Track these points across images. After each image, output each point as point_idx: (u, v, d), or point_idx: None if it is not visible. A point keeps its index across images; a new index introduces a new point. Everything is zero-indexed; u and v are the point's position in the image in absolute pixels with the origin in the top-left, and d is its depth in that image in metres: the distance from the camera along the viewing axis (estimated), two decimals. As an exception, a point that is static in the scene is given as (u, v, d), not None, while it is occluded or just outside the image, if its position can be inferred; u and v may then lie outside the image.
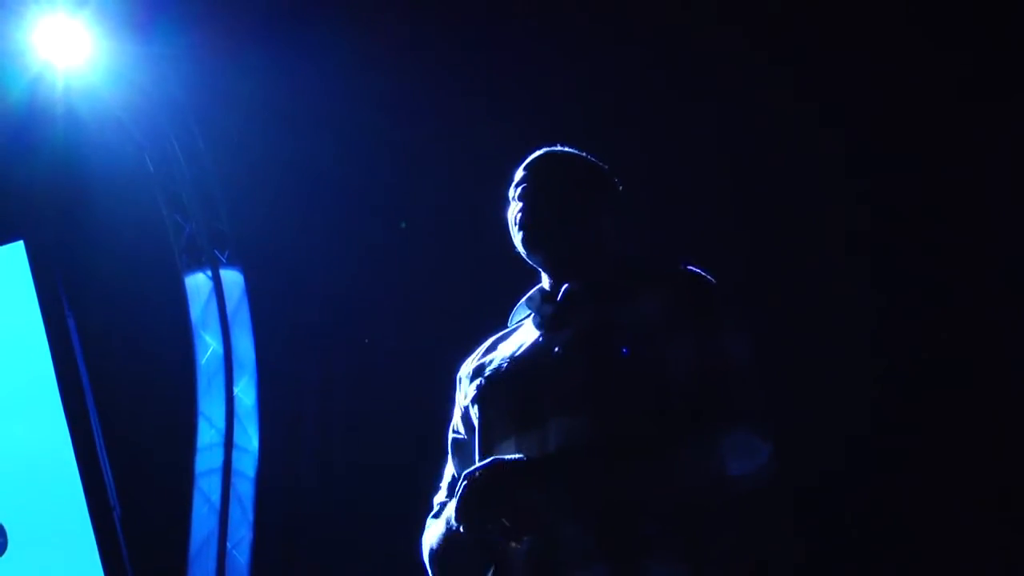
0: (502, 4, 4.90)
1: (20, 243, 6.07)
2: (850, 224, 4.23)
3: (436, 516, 2.11)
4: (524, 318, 2.17)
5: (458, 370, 2.22)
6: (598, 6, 4.67)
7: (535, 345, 2.04)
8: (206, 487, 5.96)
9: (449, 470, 2.20)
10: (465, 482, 1.83)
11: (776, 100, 4.23)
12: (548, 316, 2.07)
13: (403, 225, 5.50)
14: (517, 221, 2.12)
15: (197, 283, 6.10)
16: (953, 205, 4.11)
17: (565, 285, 2.08)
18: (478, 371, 2.12)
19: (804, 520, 3.99)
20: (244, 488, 5.99)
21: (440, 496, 2.17)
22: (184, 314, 6.05)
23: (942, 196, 4.14)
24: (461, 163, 5.13)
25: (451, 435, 2.20)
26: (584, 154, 2.24)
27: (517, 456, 1.85)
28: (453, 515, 1.86)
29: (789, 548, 3.83)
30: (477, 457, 2.02)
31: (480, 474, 1.83)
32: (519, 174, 2.19)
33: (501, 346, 2.15)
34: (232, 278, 6.13)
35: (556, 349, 1.99)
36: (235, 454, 5.99)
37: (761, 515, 1.97)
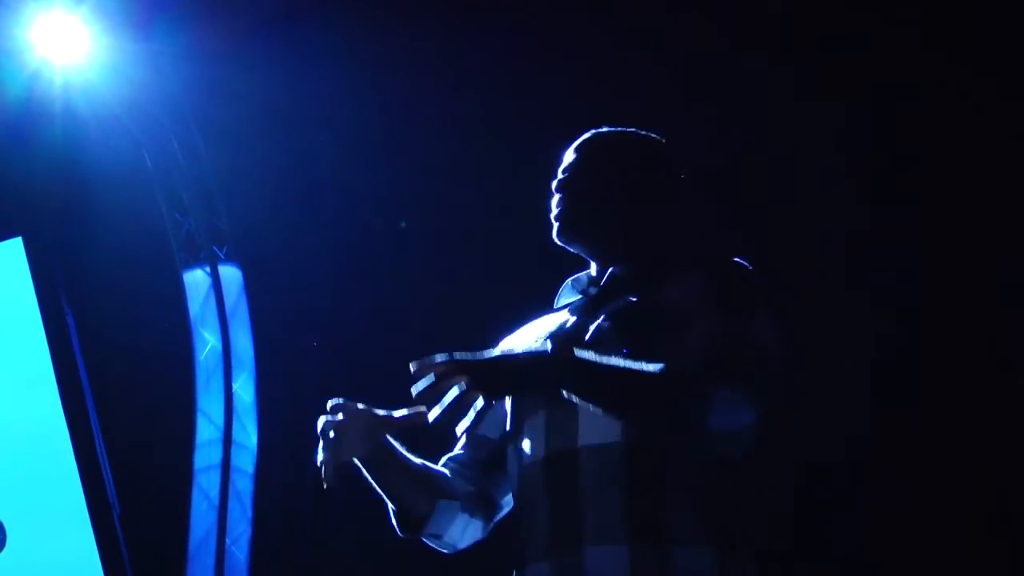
0: (502, 3, 4.89)
1: (19, 239, 6.07)
2: (849, 224, 4.23)
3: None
4: (571, 300, 2.13)
5: (496, 345, 2.17)
6: (599, 6, 4.66)
7: (573, 327, 2.02)
8: (205, 483, 5.96)
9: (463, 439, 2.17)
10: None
11: (778, 101, 4.23)
12: (592, 300, 2.05)
13: (403, 224, 5.50)
14: (553, 214, 2.07)
15: (196, 279, 6.10)
16: (953, 205, 4.11)
17: (610, 270, 2.05)
18: (516, 347, 2.09)
19: (805, 521, 4.00)
20: (243, 484, 5.99)
21: (445, 458, 2.15)
22: (183, 310, 6.05)
23: (941, 196, 4.15)
24: (461, 162, 5.13)
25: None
26: (642, 134, 2.15)
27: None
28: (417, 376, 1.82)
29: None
30: (510, 426, 2.03)
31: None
32: (564, 156, 2.12)
33: (541, 325, 2.12)
34: (231, 274, 6.12)
35: (591, 332, 1.97)
36: (234, 450, 5.99)
37: (783, 501, 1.95)
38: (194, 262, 6.08)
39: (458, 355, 1.80)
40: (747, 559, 1.88)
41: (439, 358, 1.80)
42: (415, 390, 1.82)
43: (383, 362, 5.72)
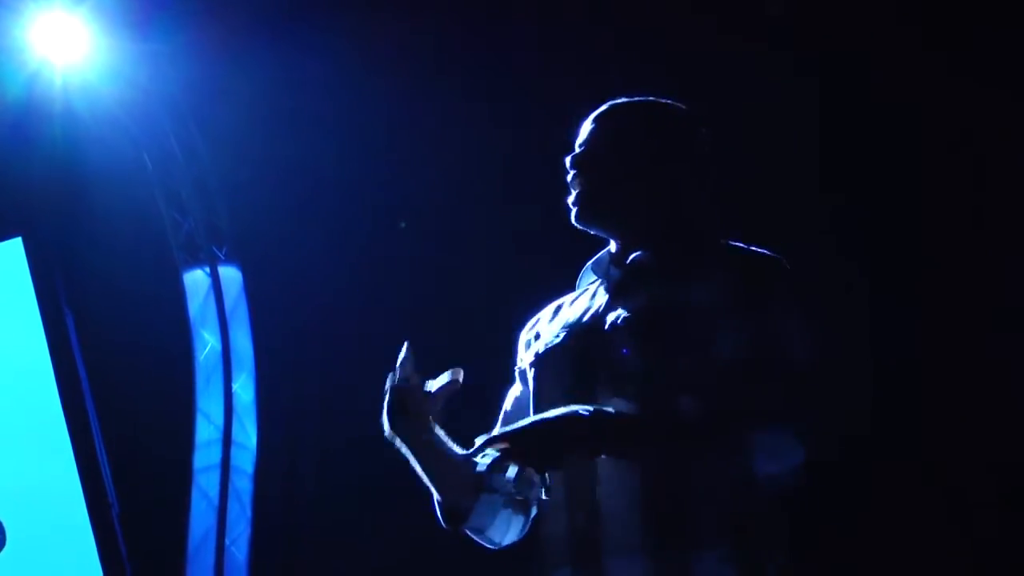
0: (502, 3, 4.89)
1: (18, 239, 6.07)
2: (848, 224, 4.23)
3: None
4: (592, 282, 2.06)
5: (521, 329, 2.15)
6: (599, 6, 4.66)
7: (595, 316, 1.95)
8: (204, 483, 5.96)
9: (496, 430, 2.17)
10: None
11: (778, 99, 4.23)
12: (614, 285, 1.97)
13: (402, 224, 5.50)
14: (568, 192, 1.99)
15: (195, 280, 6.10)
16: (951, 207, 4.12)
17: (633, 253, 1.96)
18: (539, 336, 2.06)
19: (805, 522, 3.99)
20: (242, 484, 5.99)
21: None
22: (182, 311, 6.05)
23: (941, 196, 4.15)
24: (461, 162, 5.12)
25: (510, 393, 2.16)
26: (662, 103, 2.03)
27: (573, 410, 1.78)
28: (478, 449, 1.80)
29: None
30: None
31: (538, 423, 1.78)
32: (581, 129, 2.02)
33: (564, 311, 2.06)
34: (230, 275, 6.12)
35: (614, 323, 1.90)
36: (234, 450, 5.99)
37: (806, 512, 1.92)
38: (194, 262, 6.08)
39: (497, 435, 1.77)
40: (769, 568, 1.84)
41: (479, 441, 1.78)
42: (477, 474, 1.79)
43: (383, 362, 5.72)
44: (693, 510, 1.79)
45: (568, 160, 2.00)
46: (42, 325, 6.00)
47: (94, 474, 5.85)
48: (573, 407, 1.78)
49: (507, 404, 2.17)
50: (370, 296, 5.65)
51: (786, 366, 1.79)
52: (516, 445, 1.74)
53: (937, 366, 4.03)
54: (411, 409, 1.96)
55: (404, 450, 1.98)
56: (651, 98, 2.04)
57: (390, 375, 2.01)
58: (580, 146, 2.00)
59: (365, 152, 5.45)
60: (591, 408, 1.77)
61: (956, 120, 4.04)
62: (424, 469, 1.99)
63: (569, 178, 1.99)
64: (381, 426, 1.98)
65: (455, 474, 1.96)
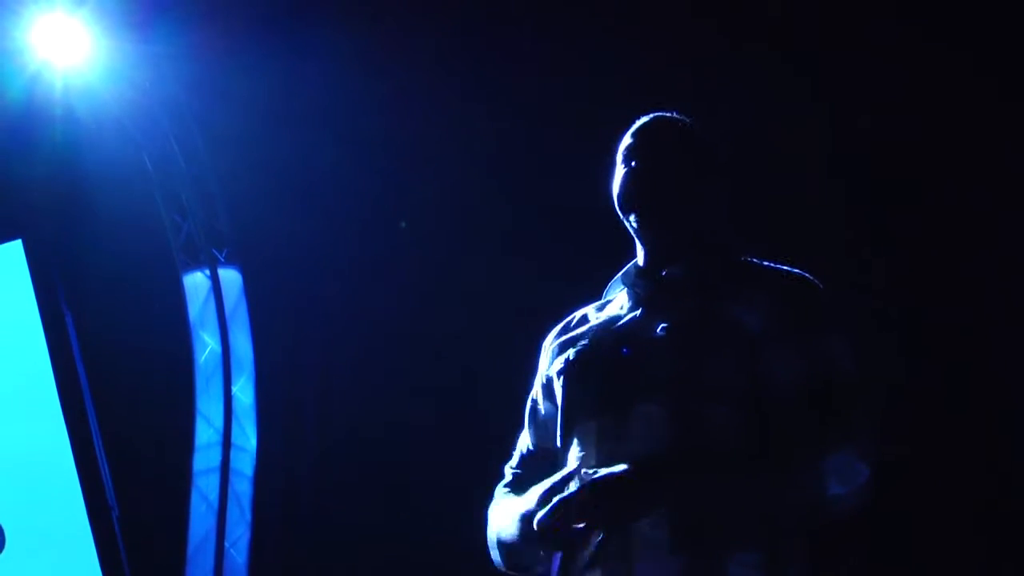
0: (502, 3, 4.89)
1: (18, 242, 6.07)
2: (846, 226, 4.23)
3: (508, 487, 2.08)
4: (620, 291, 2.09)
5: (543, 338, 2.15)
6: (599, 6, 4.66)
7: (627, 327, 1.97)
8: (204, 486, 5.95)
9: (524, 439, 2.15)
10: (567, 503, 1.78)
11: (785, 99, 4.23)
12: (645, 298, 2.00)
13: (403, 225, 5.49)
14: (628, 195, 2.01)
15: (195, 282, 6.09)
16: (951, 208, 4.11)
17: (668, 269, 2.00)
18: (566, 345, 2.06)
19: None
20: (242, 487, 5.98)
21: (513, 463, 2.13)
22: (182, 313, 6.04)
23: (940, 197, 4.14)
24: (461, 162, 5.12)
25: (529, 403, 2.15)
26: (693, 125, 2.10)
27: (621, 470, 1.78)
28: (541, 521, 1.80)
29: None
30: (559, 431, 1.99)
31: (585, 497, 1.77)
32: (629, 140, 2.06)
33: (592, 321, 2.07)
34: (230, 277, 6.12)
35: (649, 335, 1.92)
36: (233, 453, 5.99)
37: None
38: (194, 264, 6.08)
39: (571, 495, 1.77)
40: (801, 570, 1.84)
41: (556, 502, 1.78)
42: (546, 544, 1.80)
43: (384, 364, 5.73)
44: (727, 516, 1.79)
45: (630, 157, 2.03)
46: (42, 327, 5.99)
47: (94, 477, 5.84)
48: (639, 460, 1.78)
49: (533, 415, 2.16)
50: (370, 298, 5.65)
51: (844, 388, 1.83)
52: (590, 511, 1.76)
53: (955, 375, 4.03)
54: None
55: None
56: (685, 118, 2.10)
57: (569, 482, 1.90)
58: (636, 148, 2.04)
59: (365, 154, 5.45)
60: (659, 461, 1.79)
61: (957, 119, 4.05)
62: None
63: (622, 174, 2.02)
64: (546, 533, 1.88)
65: (524, 532, 1.93)
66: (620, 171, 2.04)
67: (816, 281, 1.95)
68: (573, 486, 1.86)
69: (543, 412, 2.11)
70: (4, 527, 5.86)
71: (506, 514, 1.99)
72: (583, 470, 1.83)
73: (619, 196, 2.03)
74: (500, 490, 2.11)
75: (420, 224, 5.44)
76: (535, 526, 1.81)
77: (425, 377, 5.31)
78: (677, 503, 1.77)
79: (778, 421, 1.82)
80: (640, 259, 2.06)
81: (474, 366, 5.11)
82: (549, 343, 2.14)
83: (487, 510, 2.09)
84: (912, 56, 4.13)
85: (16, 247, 6.06)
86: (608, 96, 4.41)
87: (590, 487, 1.77)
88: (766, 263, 2.00)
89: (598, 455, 1.87)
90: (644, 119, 2.09)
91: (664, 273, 2.00)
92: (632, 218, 2.03)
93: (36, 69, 5.41)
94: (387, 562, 5.20)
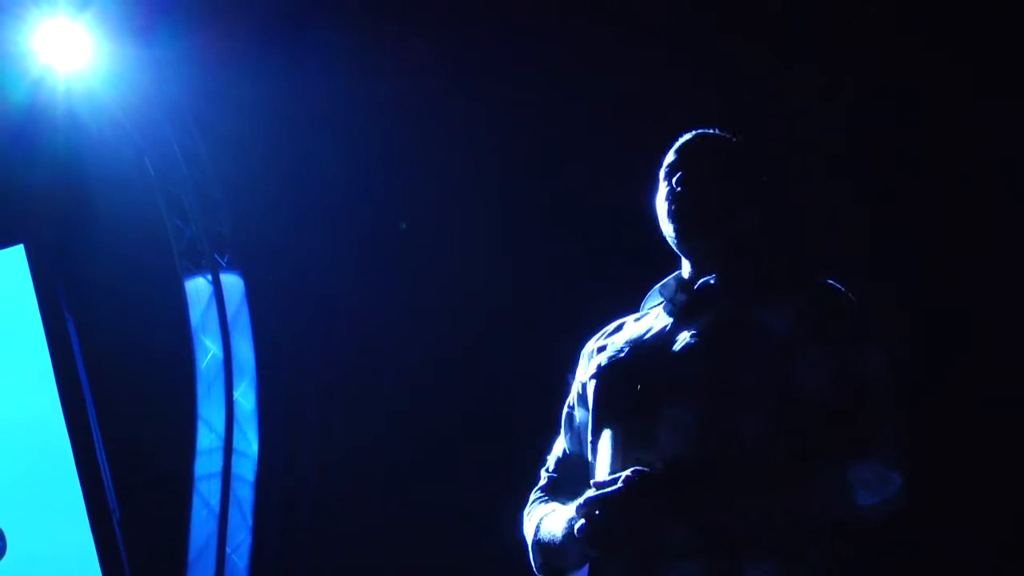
0: (502, 5, 4.90)
1: (20, 247, 6.07)
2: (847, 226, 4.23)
3: (542, 491, 2.11)
4: (657, 304, 2.12)
5: (582, 346, 2.18)
6: (599, 7, 4.66)
7: (661, 333, 2.01)
8: (205, 491, 5.95)
9: (560, 444, 2.17)
10: (601, 507, 1.79)
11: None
12: (680, 306, 2.03)
13: (403, 227, 5.50)
14: (672, 209, 2.05)
15: (197, 287, 6.10)
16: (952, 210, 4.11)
17: (704, 277, 2.03)
18: (601, 350, 2.09)
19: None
20: (243, 492, 5.98)
21: (548, 466, 2.15)
22: (184, 318, 6.05)
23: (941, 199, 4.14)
24: (461, 164, 5.13)
25: (566, 409, 2.17)
26: (735, 139, 2.14)
27: (647, 474, 1.79)
28: (581, 529, 1.82)
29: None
30: (589, 436, 2.01)
31: (615, 500, 1.78)
32: (672, 157, 2.10)
33: (628, 328, 2.11)
34: (232, 282, 6.13)
35: (680, 340, 1.95)
36: (235, 458, 5.99)
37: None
38: (196, 269, 6.08)
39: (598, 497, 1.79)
40: (818, 573, 1.85)
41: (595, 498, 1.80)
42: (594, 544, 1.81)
43: (385, 370, 5.73)
44: (750, 522, 1.80)
45: (676, 177, 2.07)
46: (44, 332, 5.99)
47: (95, 481, 5.84)
48: (668, 465, 1.81)
49: (568, 420, 2.17)
50: (372, 303, 5.65)
51: (876, 397, 1.84)
52: (620, 523, 1.77)
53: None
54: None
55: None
56: (725, 134, 2.14)
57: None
58: (683, 166, 2.08)
59: (367, 159, 5.46)
60: (688, 466, 1.80)
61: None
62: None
63: (667, 191, 2.06)
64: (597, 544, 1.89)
65: (562, 542, 1.95)
66: (663, 190, 2.09)
67: (845, 290, 1.98)
68: (601, 470, 1.91)
69: (578, 419, 2.13)
70: (6, 532, 5.86)
71: (546, 517, 2.02)
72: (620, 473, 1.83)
73: (666, 216, 2.07)
74: (535, 493, 2.13)
75: (421, 228, 5.44)
76: (576, 530, 1.82)
77: (426, 383, 5.31)
78: (703, 509, 1.78)
79: (808, 428, 1.83)
80: (684, 272, 2.10)
81: (475, 371, 5.11)
82: (587, 351, 2.17)
83: (521, 512, 2.12)
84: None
85: (18, 252, 6.07)
86: (608, 96, 4.42)
87: (636, 487, 1.78)
88: (797, 271, 2.03)
89: (625, 459, 1.89)
90: (687, 136, 2.13)
91: (697, 285, 2.03)
92: (676, 236, 2.06)
93: (38, 74, 5.43)
94: (388, 566, 5.20)
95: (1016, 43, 4.01)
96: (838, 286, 1.98)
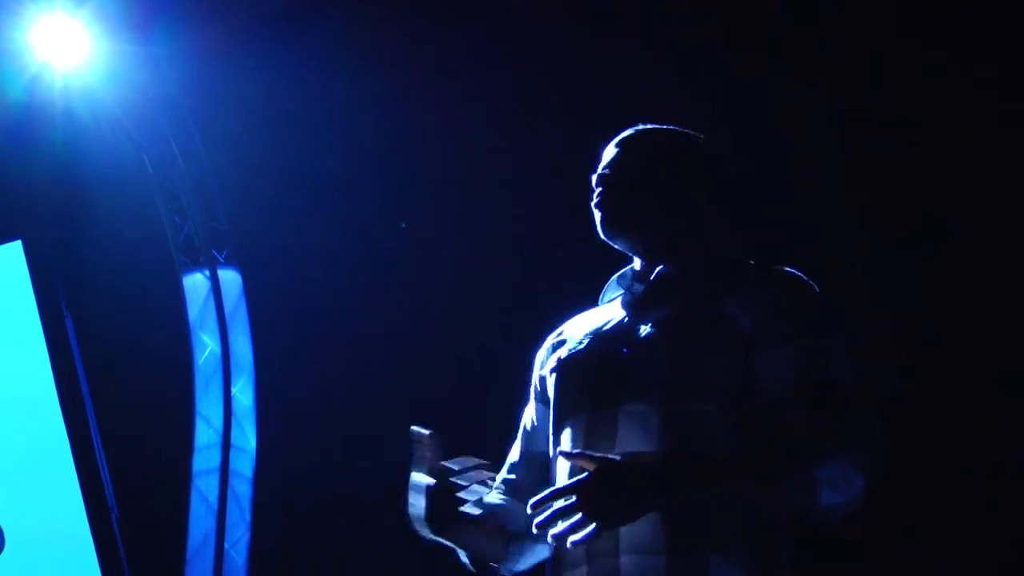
0: (502, 5, 4.89)
1: (18, 242, 6.07)
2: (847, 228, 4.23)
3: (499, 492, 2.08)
4: (615, 297, 2.08)
5: (539, 345, 2.14)
6: (599, 7, 4.66)
7: (619, 325, 1.97)
8: (204, 487, 5.96)
9: (515, 448, 2.14)
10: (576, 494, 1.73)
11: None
12: (637, 297, 2.00)
13: (403, 225, 5.50)
14: (594, 205, 2.01)
15: (195, 283, 6.10)
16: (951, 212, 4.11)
17: (658, 268, 1.99)
18: (559, 345, 2.07)
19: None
20: (242, 488, 5.99)
21: (501, 475, 2.11)
22: (182, 314, 6.05)
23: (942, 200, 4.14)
24: (460, 163, 5.13)
25: (525, 413, 2.15)
26: (683, 131, 2.09)
27: (624, 464, 1.75)
28: (541, 523, 1.76)
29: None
30: (551, 430, 1.99)
31: (580, 490, 1.72)
32: (606, 152, 2.07)
33: (586, 321, 2.07)
34: (230, 278, 6.12)
35: (638, 333, 1.92)
36: (233, 454, 5.99)
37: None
38: (193, 266, 6.08)
39: (568, 487, 1.73)
40: (785, 570, 1.83)
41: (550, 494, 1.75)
42: (536, 525, 1.76)
43: (383, 366, 5.73)
44: (713, 514, 1.78)
45: (596, 179, 2.04)
46: (42, 328, 5.99)
47: (94, 478, 5.84)
48: (630, 457, 1.77)
49: (525, 421, 2.15)
50: (370, 299, 5.65)
51: (840, 392, 1.80)
52: (585, 505, 1.71)
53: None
54: (456, 506, 1.91)
55: (438, 538, 1.94)
56: (670, 126, 2.10)
57: (418, 474, 1.95)
58: (606, 167, 2.05)
59: (365, 155, 5.45)
60: (651, 459, 1.77)
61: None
62: (459, 544, 1.96)
63: (597, 195, 2.03)
64: (412, 527, 1.92)
65: (479, 533, 1.95)
66: (596, 192, 2.05)
67: (810, 282, 1.92)
68: (562, 468, 1.87)
69: (536, 416, 2.11)
70: (4, 528, 5.86)
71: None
72: (575, 451, 1.80)
73: (597, 214, 2.04)
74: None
75: (420, 225, 5.44)
76: (529, 508, 1.77)
77: (425, 378, 5.31)
78: (666, 503, 1.75)
79: (770, 423, 1.79)
80: (636, 264, 2.07)
81: (474, 368, 5.12)
82: (546, 345, 2.13)
83: None
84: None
85: (16, 248, 6.06)
86: (609, 97, 4.42)
87: (597, 477, 1.73)
88: (759, 263, 1.98)
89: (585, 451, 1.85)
90: (620, 135, 2.09)
91: (654, 274, 1.99)
92: (599, 231, 2.03)
93: (36, 70, 5.42)
94: (386, 563, 5.20)
95: (1016, 43, 4.01)
96: (801, 276, 1.92)
